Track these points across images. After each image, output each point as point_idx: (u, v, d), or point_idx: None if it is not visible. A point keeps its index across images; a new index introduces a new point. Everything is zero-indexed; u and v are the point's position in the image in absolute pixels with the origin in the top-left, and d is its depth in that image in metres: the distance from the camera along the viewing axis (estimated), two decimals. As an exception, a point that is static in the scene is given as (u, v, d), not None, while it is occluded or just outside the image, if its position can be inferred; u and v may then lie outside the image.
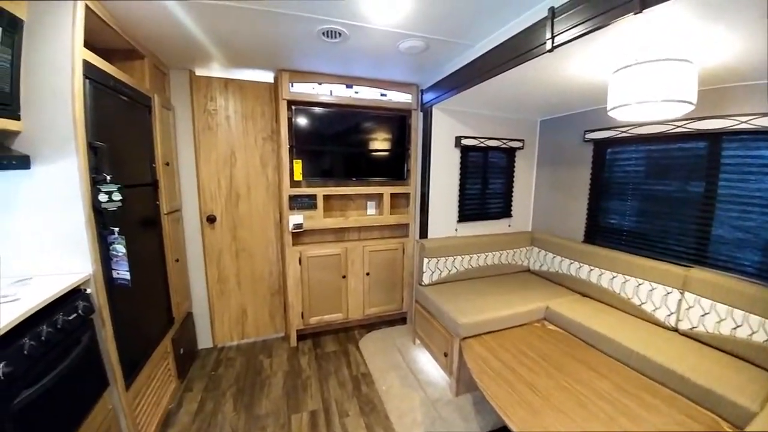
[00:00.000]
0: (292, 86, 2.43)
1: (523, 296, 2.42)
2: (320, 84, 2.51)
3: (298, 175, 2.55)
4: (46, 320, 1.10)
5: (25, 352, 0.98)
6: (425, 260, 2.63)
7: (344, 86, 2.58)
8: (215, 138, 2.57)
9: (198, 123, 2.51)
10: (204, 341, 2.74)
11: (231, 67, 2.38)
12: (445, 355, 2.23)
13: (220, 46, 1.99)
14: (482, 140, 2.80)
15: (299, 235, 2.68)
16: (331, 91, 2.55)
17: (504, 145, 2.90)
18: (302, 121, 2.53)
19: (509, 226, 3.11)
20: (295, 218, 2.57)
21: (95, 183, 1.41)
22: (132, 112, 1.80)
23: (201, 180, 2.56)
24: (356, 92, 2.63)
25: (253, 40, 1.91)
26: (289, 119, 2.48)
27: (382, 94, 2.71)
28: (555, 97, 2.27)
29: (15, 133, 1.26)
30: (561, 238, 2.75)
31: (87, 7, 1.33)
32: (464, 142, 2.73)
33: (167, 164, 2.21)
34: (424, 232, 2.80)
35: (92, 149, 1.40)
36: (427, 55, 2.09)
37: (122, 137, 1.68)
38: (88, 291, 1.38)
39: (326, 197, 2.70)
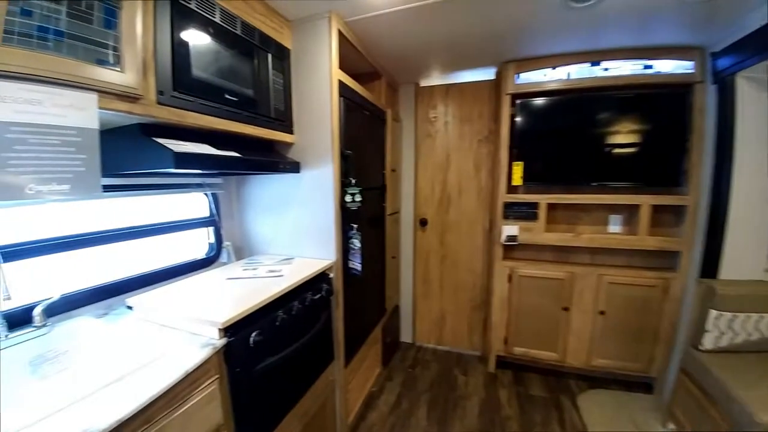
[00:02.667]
0: (517, 78, 2.12)
1: None
2: (554, 68, 2.06)
3: (517, 180, 2.20)
4: (298, 296, 1.33)
5: (277, 323, 1.18)
6: (712, 313, 1.65)
7: (588, 65, 2.01)
8: (433, 144, 2.65)
9: (419, 132, 2.66)
10: (405, 335, 2.90)
11: (452, 71, 2.37)
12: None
13: (444, 50, 1.98)
14: None
15: (512, 248, 2.32)
16: (568, 74, 2.05)
17: None
18: (527, 116, 2.16)
19: None
20: (509, 229, 2.24)
21: (343, 185, 1.66)
22: (371, 125, 2.05)
23: (418, 185, 2.70)
24: (605, 69, 1.99)
25: (476, 35, 1.77)
26: (512, 116, 2.18)
27: (646, 66, 1.93)
28: None
29: (289, 144, 1.64)
30: None
31: (340, 33, 1.56)
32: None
33: (393, 170, 2.44)
34: (710, 269, 1.78)
35: (343, 157, 1.65)
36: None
37: (363, 146, 1.93)
38: (331, 276, 1.63)
39: (550, 206, 2.20)
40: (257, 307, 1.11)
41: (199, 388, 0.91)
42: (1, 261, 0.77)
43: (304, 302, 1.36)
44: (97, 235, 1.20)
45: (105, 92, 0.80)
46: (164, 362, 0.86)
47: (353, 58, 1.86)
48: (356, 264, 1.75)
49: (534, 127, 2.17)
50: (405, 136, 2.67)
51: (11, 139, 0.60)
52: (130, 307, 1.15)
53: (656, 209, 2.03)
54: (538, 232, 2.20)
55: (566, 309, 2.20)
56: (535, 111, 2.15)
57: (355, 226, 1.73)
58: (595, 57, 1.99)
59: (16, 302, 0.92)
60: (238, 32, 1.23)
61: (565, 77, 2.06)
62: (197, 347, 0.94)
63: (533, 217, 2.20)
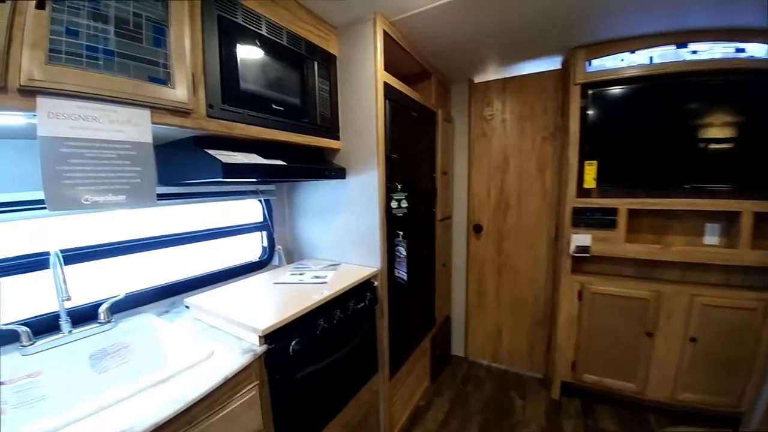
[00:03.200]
0: (588, 65, 1.85)
1: None
2: (633, 52, 1.76)
3: (589, 182, 1.92)
4: (340, 305, 1.30)
5: (318, 332, 1.15)
6: None
7: (674, 47, 1.69)
8: (489, 144, 2.46)
9: (473, 131, 2.49)
10: (457, 348, 2.73)
11: (510, 63, 2.17)
12: None
13: (499, 40, 1.81)
14: None
15: (583, 260, 2.03)
16: (651, 58, 1.74)
17: None
18: (601, 107, 1.87)
19: None
20: (580, 238, 1.95)
21: (389, 191, 1.60)
22: (419, 127, 1.96)
23: (472, 188, 2.54)
24: (693, 52, 1.66)
25: (537, 20, 1.58)
26: (582, 109, 1.91)
27: (738, 50, 1.60)
28: None
29: (336, 150, 1.63)
30: None
31: (385, 34, 1.50)
32: None
33: (444, 173, 2.32)
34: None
35: (388, 161, 1.59)
36: None
37: (410, 149, 1.85)
38: (375, 284, 1.58)
39: (632, 213, 1.87)
40: (297, 316, 1.10)
41: (240, 393, 0.92)
42: (63, 263, 0.86)
43: (346, 311, 1.32)
44: (163, 239, 1.31)
45: (157, 108, 0.85)
46: (208, 365, 0.89)
47: (401, 59, 1.80)
48: (402, 272, 1.68)
49: (610, 121, 1.87)
50: (457, 137, 2.53)
51: (66, 153, 0.66)
52: (188, 307, 1.24)
53: (759, 218, 1.63)
54: (616, 243, 1.89)
55: (650, 334, 1.85)
56: (611, 101, 1.86)
57: (401, 233, 1.66)
58: (682, 39, 1.67)
59: (79, 301, 1.03)
60: (284, 43, 1.25)
61: (646, 62, 1.75)
62: (239, 352, 0.95)
63: (610, 224, 1.89)
